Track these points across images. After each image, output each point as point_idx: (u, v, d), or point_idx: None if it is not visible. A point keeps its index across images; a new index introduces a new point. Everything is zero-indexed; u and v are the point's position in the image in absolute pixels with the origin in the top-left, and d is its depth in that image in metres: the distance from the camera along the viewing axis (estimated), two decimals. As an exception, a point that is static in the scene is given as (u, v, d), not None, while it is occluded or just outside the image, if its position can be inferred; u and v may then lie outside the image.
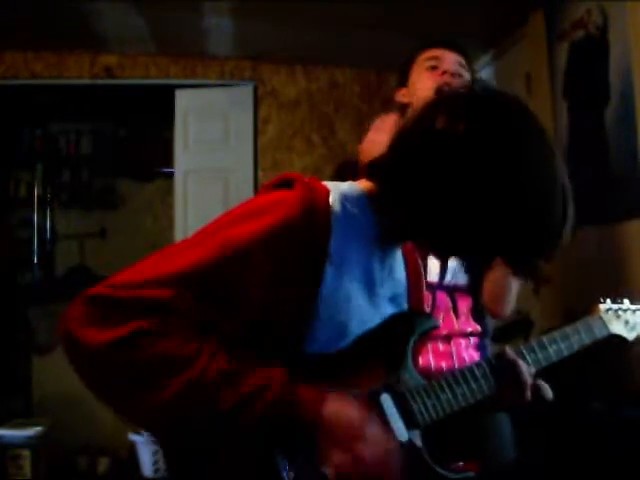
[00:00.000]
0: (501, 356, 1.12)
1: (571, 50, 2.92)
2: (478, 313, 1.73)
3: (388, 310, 1.09)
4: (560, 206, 0.96)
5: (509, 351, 1.13)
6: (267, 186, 1.07)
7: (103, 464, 4.30)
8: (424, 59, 1.92)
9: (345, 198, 1.03)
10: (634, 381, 2.31)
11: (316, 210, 0.97)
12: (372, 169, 1.07)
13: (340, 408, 0.91)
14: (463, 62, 1.94)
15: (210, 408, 0.85)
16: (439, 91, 1.75)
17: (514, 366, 1.11)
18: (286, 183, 1.03)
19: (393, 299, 1.12)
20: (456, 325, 1.67)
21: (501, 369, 1.11)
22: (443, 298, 1.67)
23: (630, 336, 1.40)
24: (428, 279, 1.65)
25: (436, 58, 1.91)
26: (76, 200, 4.85)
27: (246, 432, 0.87)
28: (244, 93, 4.19)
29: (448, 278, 1.68)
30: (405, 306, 1.15)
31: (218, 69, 4.14)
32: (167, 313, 0.86)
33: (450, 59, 1.91)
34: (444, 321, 1.66)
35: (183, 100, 4.14)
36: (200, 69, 4.12)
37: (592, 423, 2.06)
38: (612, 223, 2.56)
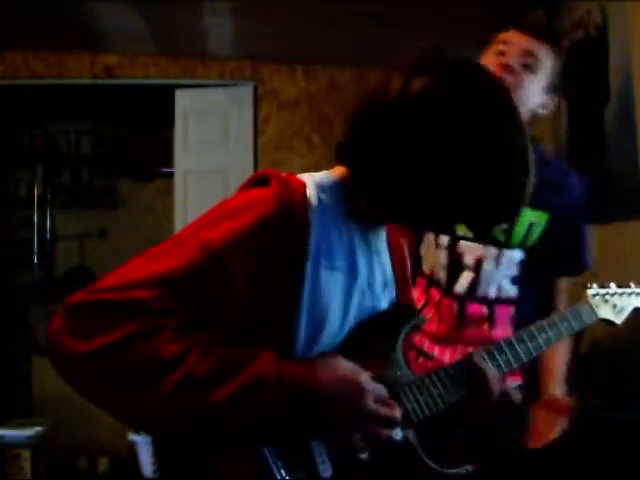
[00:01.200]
0: (467, 362, 1.10)
1: (571, 50, 2.92)
2: (520, 322, 1.65)
3: (379, 298, 1.09)
4: (521, 174, 0.95)
5: (476, 357, 1.11)
6: (244, 185, 1.06)
7: (103, 464, 4.30)
8: (497, 41, 1.67)
9: (321, 189, 1.02)
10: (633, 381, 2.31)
11: (293, 207, 0.96)
12: (338, 153, 1.05)
13: (332, 372, 0.92)
14: (536, 49, 1.62)
15: (204, 404, 0.85)
16: None
17: (479, 373, 1.08)
18: (262, 180, 1.02)
19: (384, 285, 1.11)
20: (488, 333, 1.64)
21: (468, 375, 1.08)
22: (476, 309, 1.65)
23: (618, 319, 1.43)
24: (456, 289, 1.65)
25: (504, 42, 1.64)
26: (76, 200, 4.85)
27: (244, 425, 0.87)
28: (244, 93, 4.19)
29: (487, 289, 1.65)
30: (393, 295, 1.14)
31: (218, 69, 4.14)
32: (153, 313, 0.86)
33: (517, 46, 1.62)
34: (476, 330, 1.64)
35: (183, 100, 4.14)
36: (200, 69, 4.12)
37: (592, 423, 2.06)
38: (612, 223, 2.56)
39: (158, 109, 4.30)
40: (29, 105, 4.40)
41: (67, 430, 4.11)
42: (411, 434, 1.01)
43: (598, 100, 2.68)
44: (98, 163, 4.88)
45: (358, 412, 0.92)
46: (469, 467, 1.06)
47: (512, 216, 1.02)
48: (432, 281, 1.70)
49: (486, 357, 1.13)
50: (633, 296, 1.45)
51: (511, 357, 1.17)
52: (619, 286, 1.45)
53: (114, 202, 4.91)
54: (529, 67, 1.60)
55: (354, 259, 1.03)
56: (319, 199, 1.00)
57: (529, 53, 1.60)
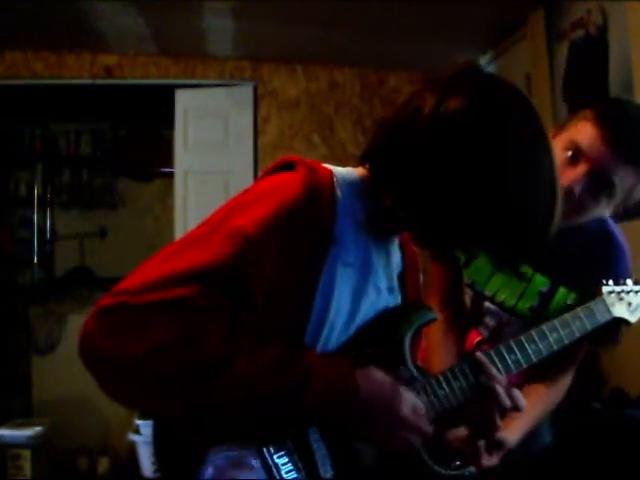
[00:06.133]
0: (473, 362, 1.07)
1: (571, 50, 2.92)
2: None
3: (386, 300, 1.08)
4: (547, 203, 0.94)
5: (481, 357, 1.08)
6: (267, 171, 1.04)
7: (103, 464, 4.30)
8: (570, 134, 1.35)
9: (346, 183, 1.01)
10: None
11: (320, 192, 0.95)
12: (365, 154, 1.04)
13: (371, 379, 0.93)
14: (617, 173, 1.30)
15: (255, 405, 0.86)
16: None
17: (485, 373, 1.06)
18: (287, 166, 1.01)
19: (391, 289, 1.10)
20: None
21: (474, 376, 1.06)
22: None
23: (632, 318, 1.36)
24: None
25: (577, 145, 1.32)
26: (76, 200, 4.85)
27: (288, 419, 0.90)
28: (244, 93, 4.19)
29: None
30: (399, 297, 1.13)
31: (218, 69, 4.14)
32: (198, 310, 0.84)
33: (592, 161, 1.30)
34: None
35: (183, 100, 4.14)
36: (200, 69, 4.12)
37: (592, 423, 2.06)
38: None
39: (158, 109, 4.31)
40: (29, 105, 4.40)
41: (67, 430, 4.10)
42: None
43: (598, 100, 2.68)
44: (98, 163, 4.88)
45: (393, 416, 0.94)
46: (471, 468, 1.05)
47: (537, 241, 0.98)
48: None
49: (495, 357, 1.11)
50: None
51: (521, 357, 1.13)
52: (636, 282, 1.38)
53: (114, 202, 4.91)
54: (600, 194, 1.33)
55: (368, 259, 1.03)
56: (343, 191, 0.99)
57: (606, 178, 1.30)
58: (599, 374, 2.48)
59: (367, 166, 1.03)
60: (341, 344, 1.00)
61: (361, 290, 1.02)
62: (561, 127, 1.42)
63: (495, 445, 1.28)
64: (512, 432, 1.35)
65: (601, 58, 2.65)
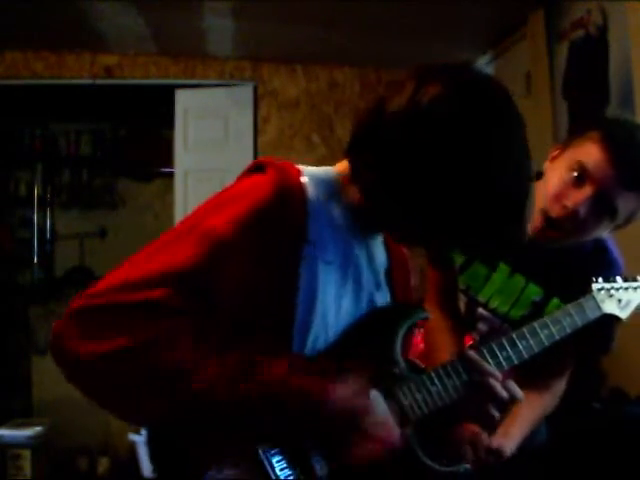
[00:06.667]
0: (465, 359, 1.06)
1: (571, 50, 2.92)
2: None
3: (373, 297, 1.08)
4: (522, 189, 0.94)
5: (473, 354, 1.07)
6: (240, 175, 1.06)
7: (103, 464, 4.30)
8: (576, 154, 1.35)
9: (319, 182, 1.02)
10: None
11: (290, 192, 0.96)
12: (345, 150, 1.03)
13: (345, 394, 0.91)
14: (620, 199, 1.30)
15: (218, 411, 0.86)
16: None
17: (477, 369, 1.05)
18: (259, 168, 1.02)
19: (378, 286, 1.10)
20: None
21: (467, 372, 1.05)
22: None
23: (623, 314, 1.37)
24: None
25: (583, 168, 1.32)
26: (76, 200, 4.85)
27: (253, 429, 0.88)
28: (244, 93, 4.19)
29: None
30: (387, 295, 1.13)
31: (218, 69, 4.14)
32: (169, 313, 0.85)
33: (597, 186, 1.30)
34: None
35: (183, 100, 4.14)
36: (200, 69, 4.12)
37: (592, 424, 2.06)
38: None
39: (158, 109, 4.31)
40: (29, 105, 4.40)
41: (67, 430, 4.10)
42: (408, 431, 1.00)
43: (598, 100, 2.68)
44: (98, 163, 4.88)
45: (358, 431, 0.91)
46: (466, 465, 1.05)
47: (512, 231, 0.97)
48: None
49: (486, 354, 1.11)
50: (639, 290, 1.39)
51: (512, 354, 1.14)
52: (625, 279, 1.39)
53: (114, 202, 4.91)
54: (604, 216, 1.34)
55: (349, 256, 1.03)
56: (317, 191, 1.00)
57: (610, 202, 1.31)
58: (599, 374, 2.48)
59: (347, 162, 1.03)
60: (331, 343, 1.00)
61: (345, 288, 1.02)
62: (565, 145, 1.41)
63: (492, 453, 1.29)
64: (509, 440, 1.36)
65: (601, 58, 2.65)
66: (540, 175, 1.44)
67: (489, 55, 3.79)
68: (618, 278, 1.38)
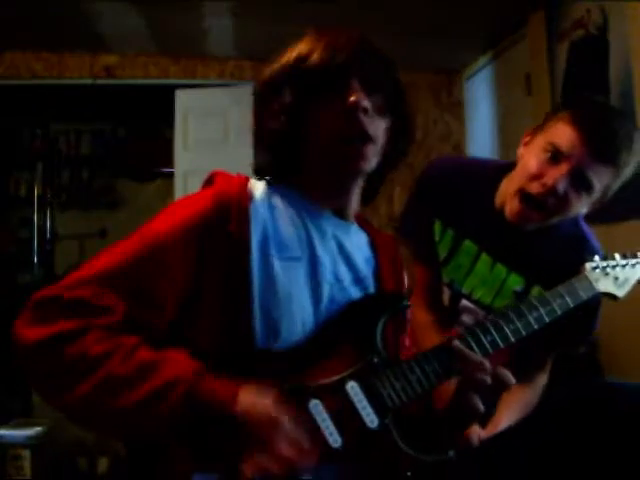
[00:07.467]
0: (448, 346, 1.04)
1: (571, 50, 2.92)
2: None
3: (351, 290, 1.10)
4: None
5: (456, 342, 1.04)
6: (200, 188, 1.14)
7: (103, 464, 4.30)
8: (549, 136, 1.39)
9: (274, 191, 1.11)
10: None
11: (230, 198, 1.04)
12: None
13: (254, 401, 0.90)
14: (596, 174, 1.35)
15: (122, 403, 0.88)
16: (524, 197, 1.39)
17: (460, 357, 1.02)
18: (209, 181, 1.13)
19: (357, 280, 1.12)
20: None
21: (450, 359, 1.03)
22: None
23: (620, 292, 1.34)
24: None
25: (557, 147, 1.36)
26: (76, 200, 4.86)
27: (158, 427, 0.89)
28: (244, 93, 4.18)
29: None
30: (372, 289, 1.14)
31: (218, 69, 4.15)
32: (87, 312, 0.91)
33: (573, 162, 1.34)
34: None
35: (183, 100, 4.14)
36: (200, 69, 4.13)
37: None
38: (612, 223, 2.56)
39: (158, 109, 4.31)
40: (29, 105, 4.40)
41: (67, 430, 4.10)
42: (388, 420, 1.00)
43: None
44: (98, 163, 4.88)
45: (262, 441, 0.88)
46: (451, 452, 1.04)
47: None
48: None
49: (470, 339, 1.06)
50: (638, 267, 1.36)
51: (498, 338, 1.07)
52: (624, 256, 1.36)
53: (114, 202, 4.92)
54: (581, 192, 1.37)
55: (313, 252, 1.07)
56: (270, 198, 1.09)
57: (585, 178, 1.36)
58: (597, 368, 2.48)
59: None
60: (309, 336, 1.02)
61: (317, 282, 1.05)
62: (538, 128, 1.44)
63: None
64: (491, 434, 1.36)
65: (601, 58, 2.65)
66: (514, 165, 1.47)
67: (489, 55, 3.79)
68: (616, 255, 1.36)
